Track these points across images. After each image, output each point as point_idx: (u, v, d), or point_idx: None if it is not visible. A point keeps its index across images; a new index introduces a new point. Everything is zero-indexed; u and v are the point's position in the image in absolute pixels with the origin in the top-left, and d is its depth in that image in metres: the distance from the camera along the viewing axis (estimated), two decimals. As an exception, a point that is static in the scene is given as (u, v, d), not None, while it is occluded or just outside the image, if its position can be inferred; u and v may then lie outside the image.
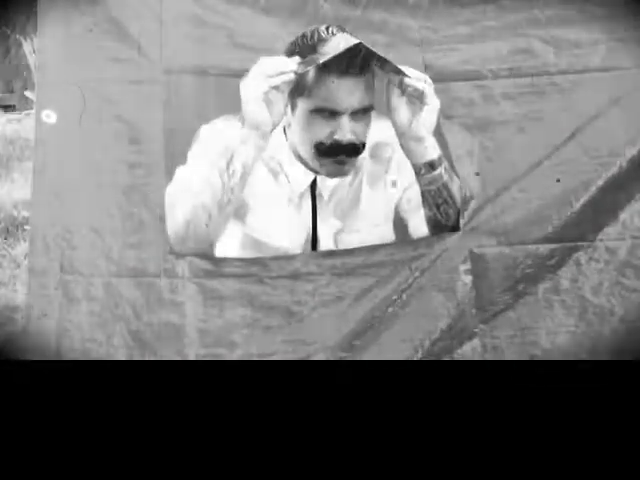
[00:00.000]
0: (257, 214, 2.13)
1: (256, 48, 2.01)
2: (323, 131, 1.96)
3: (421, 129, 1.91)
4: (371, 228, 2.18)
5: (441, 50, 2.02)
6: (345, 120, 1.93)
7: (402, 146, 1.96)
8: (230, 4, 2.05)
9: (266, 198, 2.13)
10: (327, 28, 1.93)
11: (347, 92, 1.92)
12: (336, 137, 1.94)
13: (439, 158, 1.95)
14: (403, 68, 1.87)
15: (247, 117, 1.86)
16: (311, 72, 1.91)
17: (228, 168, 1.88)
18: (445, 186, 1.96)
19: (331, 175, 2.05)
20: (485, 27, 2.02)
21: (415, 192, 2.05)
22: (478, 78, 2.02)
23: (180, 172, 2.01)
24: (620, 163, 1.96)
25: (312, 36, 1.92)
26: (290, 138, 2.08)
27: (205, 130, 2.09)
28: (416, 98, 1.89)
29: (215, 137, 2.02)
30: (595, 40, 2.01)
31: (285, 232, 2.14)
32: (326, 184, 2.13)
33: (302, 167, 2.09)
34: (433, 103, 1.89)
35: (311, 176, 2.11)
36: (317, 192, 2.13)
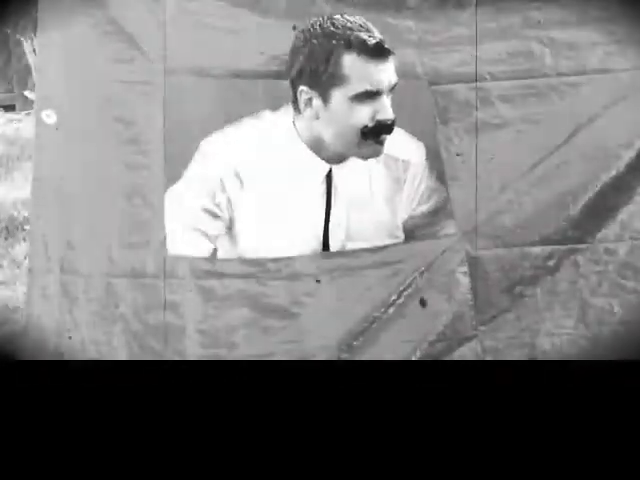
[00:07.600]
0: (251, 233, 2.09)
1: (256, 49, 2.01)
2: (366, 114, 1.96)
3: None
4: (381, 239, 2.16)
5: (439, 52, 2.02)
6: (385, 99, 1.96)
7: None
8: (230, 5, 2.05)
9: (268, 208, 2.08)
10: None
11: (385, 72, 1.94)
12: (379, 118, 1.96)
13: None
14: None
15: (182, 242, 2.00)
16: (345, 61, 1.92)
17: (215, 200, 2.01)
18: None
19: (368, 156, 2.04)
20: (483, 29, 2.02)
21: (427, 208, 2.13)
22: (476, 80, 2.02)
23: (173, 192, 2.01)
24: (618, 165, 1.96)
25: (323, 21, 1.94)
26: (312, 132, 2.04)
27: (205, 145, 2.05)
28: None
29: (212, 155, 2.03)
30: (593, 42, 2.01)
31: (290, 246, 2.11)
32: (339, 192, 2.10)
33: (308, 169, 2.06)
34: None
35: (322, 178, 2.08)
36: (332, 200, 2.11)
